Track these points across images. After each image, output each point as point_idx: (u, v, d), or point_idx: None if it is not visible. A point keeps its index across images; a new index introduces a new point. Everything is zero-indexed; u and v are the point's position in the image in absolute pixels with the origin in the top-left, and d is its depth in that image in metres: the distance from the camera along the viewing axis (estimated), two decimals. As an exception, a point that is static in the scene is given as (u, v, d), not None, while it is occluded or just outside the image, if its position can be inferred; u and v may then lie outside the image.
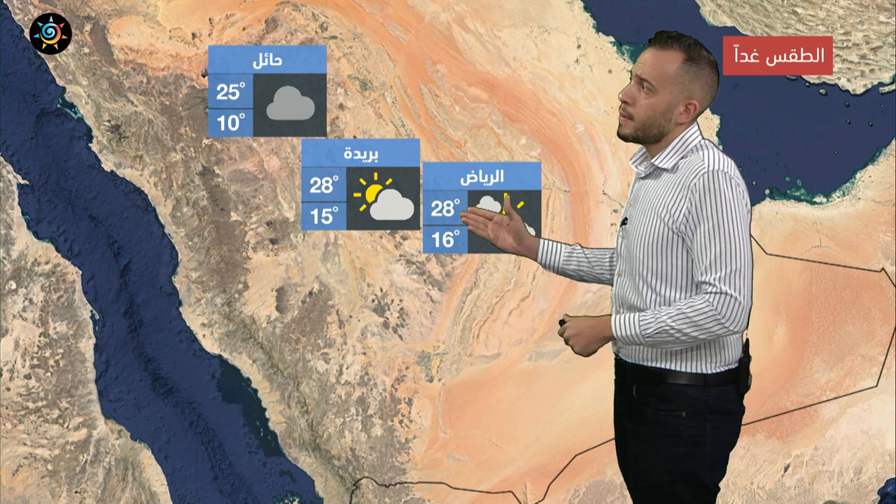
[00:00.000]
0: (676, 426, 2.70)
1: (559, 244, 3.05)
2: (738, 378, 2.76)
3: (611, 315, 2.73)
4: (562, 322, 2.82)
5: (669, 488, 2.73)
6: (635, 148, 2.89)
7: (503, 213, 3.03)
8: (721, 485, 2.84)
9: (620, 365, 2.84)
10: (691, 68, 2.71)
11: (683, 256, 2.69)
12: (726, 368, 2.74)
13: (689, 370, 2.71)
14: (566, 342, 2.77)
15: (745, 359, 2.79)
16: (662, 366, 2.72)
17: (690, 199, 2.64)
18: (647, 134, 2.75)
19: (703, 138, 2.77)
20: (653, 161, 2.76)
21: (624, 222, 2.84)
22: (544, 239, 3.06)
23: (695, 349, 2.70)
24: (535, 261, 3.06)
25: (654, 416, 2.72)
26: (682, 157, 2.73)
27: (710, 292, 2.60)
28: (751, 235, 2.68)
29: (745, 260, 2.61)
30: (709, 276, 2.61)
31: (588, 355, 2.77)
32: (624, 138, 2.78)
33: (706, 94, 2.75)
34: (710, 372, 2.71)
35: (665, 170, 2.74)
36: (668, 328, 2.62)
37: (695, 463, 2.73)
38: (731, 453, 2.83)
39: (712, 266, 2.61)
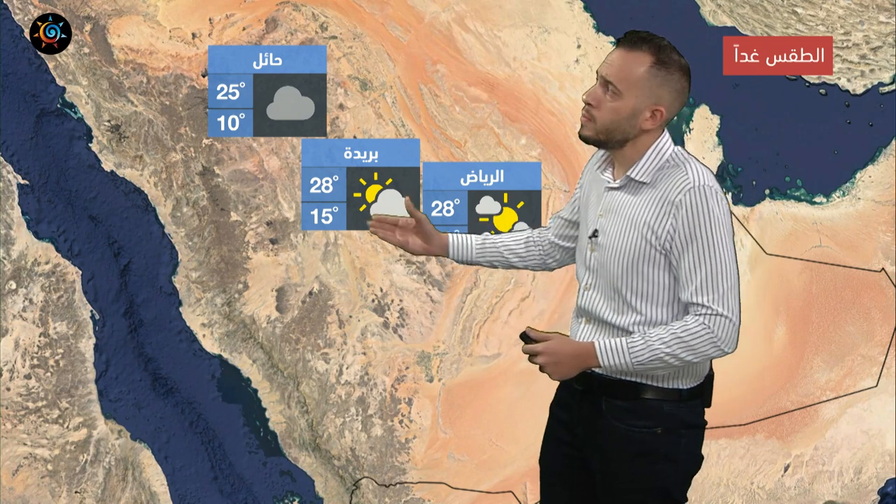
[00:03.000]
0: (652, 443, 2.61)
1: (469, 237, 2.94)
2: (705, 392, 2.69)
3: (592, 342, 2.58)
4: (525, 337, 2.64)
5: None
6: None
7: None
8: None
9: (583, 374, 2.65)
10: (660, 72, 2.57)
11: (666, 274, 2.57)
12: (698, 383, 2.66)
13: (666, 386, 2.62)
14: (539, 367, 2.60)
15: (711, 373, 2.72)
16: (638, 380, 2.61)
17: (675, 216, 2.52)
18: (609, 139, 2.61)
19: (675, 147, 2.64)
20: (628, 174, 2.62)
21: (594, 234, 2.68)
22: (454, 234, 2.95)
23: None
24: (448, 258, 2.95)
25: (626, 433, 2.61)
26: (658, 169, 2.59)
27: (704, 314, 2.50)
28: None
29: (735, 279, 2.53)
30: (701, 297, 2.50)
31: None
32: (585, 140, 2.63)
33: (675, 100, 2.61)
34: (685, 387, 2.63)
35: (643, 183, 2.60)
36: (662, 355, 2.51)
37: (669, 479, 2.65)
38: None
39: (704, 287, 2.50)
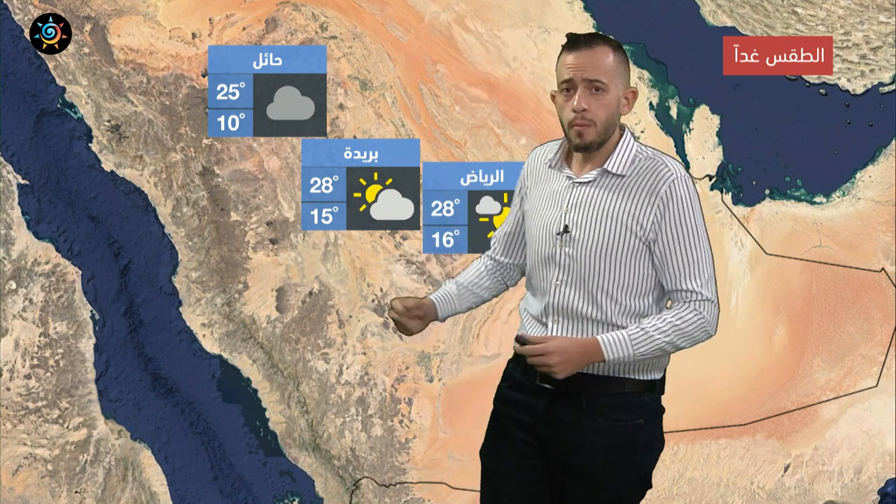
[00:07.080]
0: (635, 435, 2.67)
1: (447, 293, 2.91)
2: (664, 380, 2.77)
3: (594, 337, 2.59)
4: (521, 340, 2.62)
5: (627, 497, 2.71)
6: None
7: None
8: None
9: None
10: (621, 58, 2.65)
11: (648, 265, 2.63)
12: (663, 373, 2.75)
13: (644, 378, 2.69)
14: (543, 365, 2.58)
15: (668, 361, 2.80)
16: (620, 375, 2.67)
17: (660, 207, 2.59)
18: (606, 136, 2.65)
19: (637, 141, 2.72)
20: (605, 167, 2.66)
21: (565, 230, 2.68)
22: (436, 296, 2.90)
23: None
24: (439, 321, 2.92)
25: (612, 427, 2.66)
26: (631, 163, 2.65)
27: (695, 300, 2.59)
28: None
29: (713, 265, 2.65)
30: (690, 283, 2.59)
31: None
32: (587, 148, 2.65)
33: (630, 80, 2.71)
34: (657, 378, 2.71)
35: (620, 176, 2.65)
36: (662, 344, 2.58)
37: (648, 467, 2.73)
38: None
39: (694, 274, 2.60)
